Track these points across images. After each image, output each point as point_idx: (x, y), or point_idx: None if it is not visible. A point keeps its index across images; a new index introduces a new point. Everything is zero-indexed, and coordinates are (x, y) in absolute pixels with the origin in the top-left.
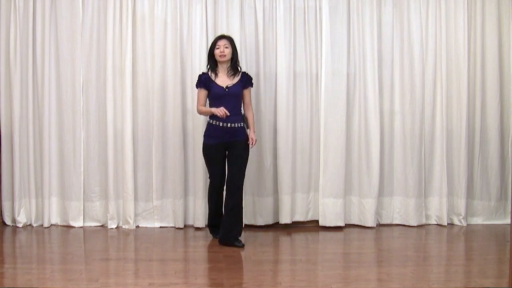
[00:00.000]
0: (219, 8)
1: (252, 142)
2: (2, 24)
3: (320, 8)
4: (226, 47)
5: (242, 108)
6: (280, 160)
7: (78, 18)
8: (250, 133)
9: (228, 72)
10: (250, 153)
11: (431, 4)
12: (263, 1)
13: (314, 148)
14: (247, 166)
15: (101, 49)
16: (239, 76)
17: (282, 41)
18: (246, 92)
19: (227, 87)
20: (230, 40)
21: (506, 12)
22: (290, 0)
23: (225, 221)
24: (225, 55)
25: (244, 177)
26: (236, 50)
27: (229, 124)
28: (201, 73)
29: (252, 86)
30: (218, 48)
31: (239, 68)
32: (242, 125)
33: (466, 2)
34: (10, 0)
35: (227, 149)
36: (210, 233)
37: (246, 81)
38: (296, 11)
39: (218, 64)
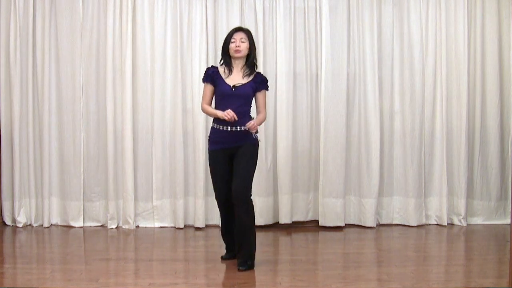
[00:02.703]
0: (219, 8)
1: (251, 125)
2: (2, 24)
3: (320, 8)
4: (243, 42)
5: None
6: (280, 160)
7: (78, 18)
8: (252, 121)
9: (243, 70)
10: None
11: (431, 4)
12: (263, 1)
13: (314, 148)
14: (252, 174)
15: (101, 49)
16: (252, 76)
17: (282, 41)
18: (259, 95)
19: (234, 86)
20: (248, 34)
21: (506, 12)
22: (290, 0)
23: (236, 241)
24: (240, 51)
25: (250, 187)
26: (254, 45)
27: (234, 128)
28: (209, 66)
29: (267, 89)
30: (233, 42)
31: (256, 67)
32: (246, 128)
33: (466, 2)
34: (10, 0)
35: (232, 157)
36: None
37: (260, 82)
38: (296, 11)
39: (232, 60)
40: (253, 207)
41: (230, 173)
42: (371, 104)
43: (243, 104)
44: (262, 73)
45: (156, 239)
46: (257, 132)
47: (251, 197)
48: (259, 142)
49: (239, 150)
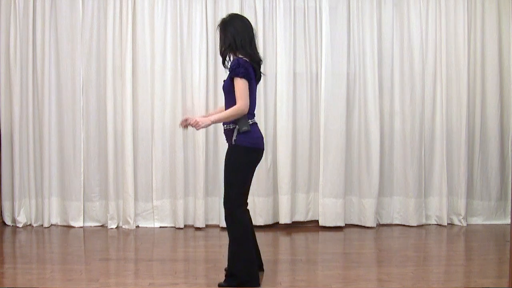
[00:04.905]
0: (219, 8)
1: (191, 121)
2: (2, 24)
3: (320, 8)
4: (219, 36)
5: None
6: (280, 160)
7: (78, 18)
8: (202, 117)
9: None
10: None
11: (431, 4)
12: (263, 1)
13: (314, 148)
14: (234, 182)
15: (101, 49)
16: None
17: (282, 41)
18: (234, 83)
19: (224, 81)
20: (220, 27)
21: (506, 12)
22: (290, 0)
23: None
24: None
25: (230, 195)
26: (228, 31)
27: (223, 126)
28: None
29: (238, 76)
30: None
31: (228, 58)
32: (231, 127)
33: (466, 2)
34: (10, 0)
35: None
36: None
37: (231, 69)
38: (296, 11)
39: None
40: (238, 220)
41: None
42: (371, 104)
43: (226, 101)
44: (241, 58)
45: (156, 239)
46: (243, 130)
47: (235, 209)
48: (239, 141)
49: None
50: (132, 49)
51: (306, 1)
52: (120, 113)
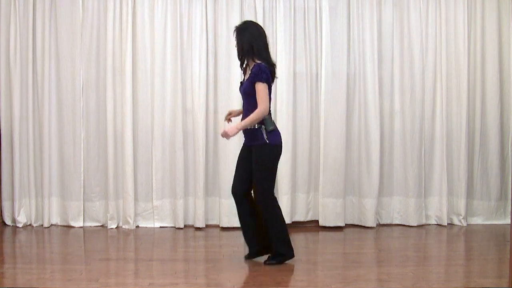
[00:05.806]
0: (219, 8)
1: (223, 133)
2: (2, 24)
3: (320, 8)
4: (236, 41)
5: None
6: (280, 160)
7: (78, 18)
8: (232, 126)
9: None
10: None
11: (431, 4)
12: (263, 1)
13: (314, 148)
14: (267, 177)
15: (101, 49)
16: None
17: (282, 41)
18: (255, 87)
19: (241, 83)
20: (237, 31)
21: (506, 12)
22: (290, 0)
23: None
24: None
25: (265, 188)
26: (245, 38)
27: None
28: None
29: (260, 81)
30: None
31: (246, 60)
32: (257, 127)
33: (466, 2)
34: (10, 0)
35: (251, 154)
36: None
37: (253, 74)
38: (296, 11)
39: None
40: (274, 206)
41: (245, 165)
42: (371, 104)
43: (246, 101)
44: (262, 64)
45: (156, 239)
46: (270, 129)
47: (271, 198)
48: (270, 140)
49: (253, 153)
50: (132, 49)
51: (306, 1)
52: (120, 113)
